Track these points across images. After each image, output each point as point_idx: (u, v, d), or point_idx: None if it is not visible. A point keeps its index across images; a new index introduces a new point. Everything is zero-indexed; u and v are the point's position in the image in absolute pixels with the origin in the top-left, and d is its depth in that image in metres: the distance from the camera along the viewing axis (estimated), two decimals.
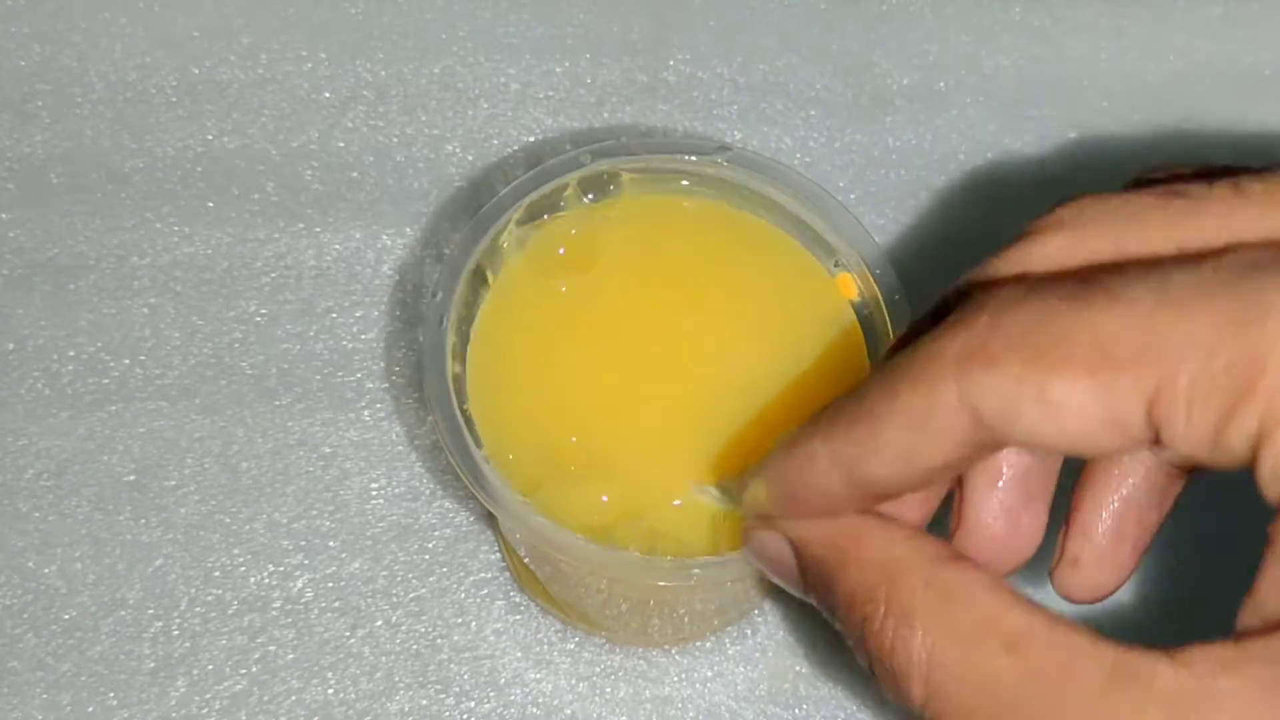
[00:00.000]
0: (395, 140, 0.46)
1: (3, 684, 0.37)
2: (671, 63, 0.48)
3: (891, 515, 0.26)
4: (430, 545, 0.40)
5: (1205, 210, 0.23)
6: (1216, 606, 0.23)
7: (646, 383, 0.33)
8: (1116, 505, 0.28)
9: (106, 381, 0.41)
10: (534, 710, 0.38)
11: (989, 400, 0.21)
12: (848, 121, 0.47)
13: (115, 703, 0.37)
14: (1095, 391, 0.21)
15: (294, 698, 0.37)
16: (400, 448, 0.41)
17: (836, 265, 0.35)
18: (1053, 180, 0.46)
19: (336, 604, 0.39)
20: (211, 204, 0.44)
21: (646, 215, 0.35)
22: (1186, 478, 0.28)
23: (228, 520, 0.40)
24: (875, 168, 0.46)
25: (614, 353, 0.34)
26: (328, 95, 0.47)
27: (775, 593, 0.39)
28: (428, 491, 0.40)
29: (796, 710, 0.38)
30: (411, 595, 0.39)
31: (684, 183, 0.36)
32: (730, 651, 0.39)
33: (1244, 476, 0.21)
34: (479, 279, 0.34)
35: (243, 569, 0.39)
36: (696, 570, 0.30)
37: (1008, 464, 0.27)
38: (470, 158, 0.46)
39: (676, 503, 0.32)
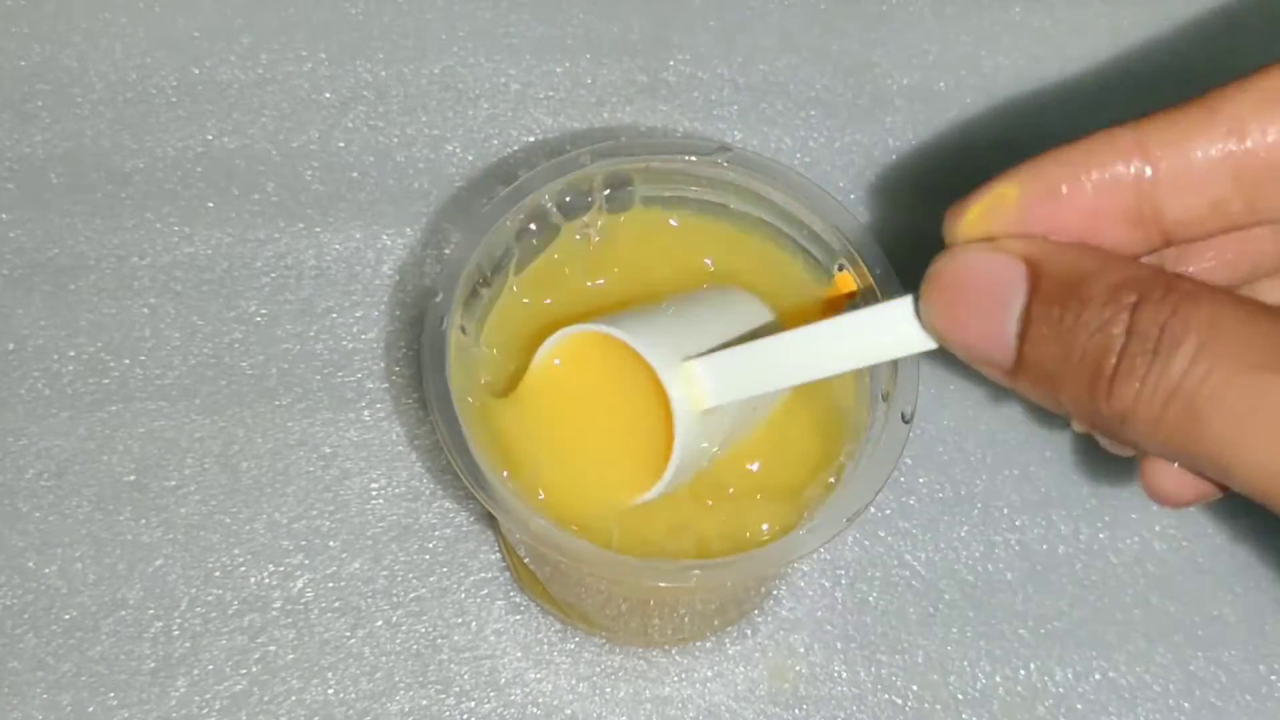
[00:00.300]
0: (395, 140, 0.46)
1: (3, 684, 0.37)
2: (671, 63, 0.48)
3: None
4: (430, 545, 0.40)
5: None
6: None
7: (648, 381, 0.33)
8: None
9: (106, 381, 0.41)
10: (534, 710, 0.38)
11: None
12: (848, 121, 0.47)
13: (115, 703, 0.37)
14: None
15: (294, 698, 0.37)
16: (400, 448, 0.41)
17: (840, 267, 0.35)
18: None
19: (336, 604, 0.39)
20: (211, 204, 0.44)
21: (646, 233, 0.36)
22: None
23: (228, 520, 0.40)
24: (875, 168, 0.46)
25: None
26: (328, 95, 0.47)
27: (784, 580, 0.39)
28: (428, 491, 0.40)
29: (796, 710, 0.38)
30: (411, 595, 0.39)
31: (691, 188, 0.36)
32: (730, 651, 0.39)
33: None
34: (480, 280, 0.34)
35: (243, 569, 0.39)
36: (696, 572, 0.30)
37: None
38: (470, 158, 0.46)
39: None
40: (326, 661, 0.38)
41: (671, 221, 0.36)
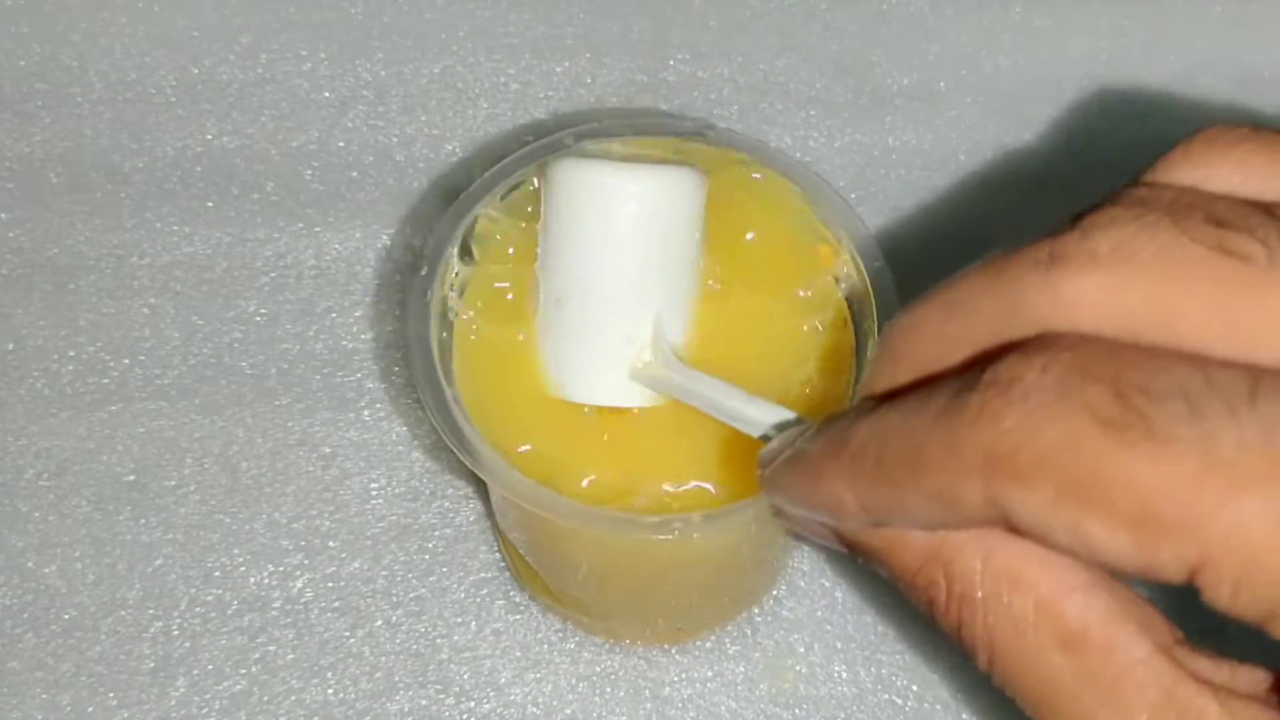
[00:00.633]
0: (395, 140, 0.46)
1: (3, 684, 0.37)
2: (671, 63, 0.48)
3: None
4: (430, 545, 0.40)
5: (1263, 288, 0.20)
6: None
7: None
8: None
9: (106, 381, 0.41)
10: (534, 710, 0.38)
11: (1018, 514, 0.20)
12: (848, 121, 0.47)
13: (115, 703, 0.37)
14: (1133, 544, 0.19)
15: (294, 698, 0.37)
16: (400, 448, 0.41)
17: (819, 239, 0.34)
18: (1052, 180, 0.46)
19: (336, 604, 0.39)
20: (211, 204, 0.44)
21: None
22: None
23: (228, 520, 0.40)
24: (875, 168, 0.46)
25: None
26: (328, 95, 0.47)
27: (786, 577, 0.39)
28: (428, 491, 0.40)
29: (796, 710, 0.38)
30: (411, 595, 0.39)
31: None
32: (730, 651, 0.39)
33: None
34: (465, 254, 0.34)
35: (243, 569, 0.39)
36: (678, 525, 0.30)
37: None
38: (470, 158, 0.46)
39: (667, 487, 0.32)
40: (326, 661, 0.38)
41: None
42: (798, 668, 0.39)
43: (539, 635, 0.39)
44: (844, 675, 0.39)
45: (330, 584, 0.39)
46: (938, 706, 0.38)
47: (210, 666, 0.38)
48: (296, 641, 0.38)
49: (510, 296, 0.33)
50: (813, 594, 0.40)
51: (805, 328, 0.33)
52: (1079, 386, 0.20)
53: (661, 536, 0.30)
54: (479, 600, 0.39)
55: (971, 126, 0.47)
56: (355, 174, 0.45)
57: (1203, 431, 0.19)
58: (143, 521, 0.39)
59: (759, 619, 0.39)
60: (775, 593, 0.39)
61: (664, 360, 0.31)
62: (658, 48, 0.48)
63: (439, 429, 0.31)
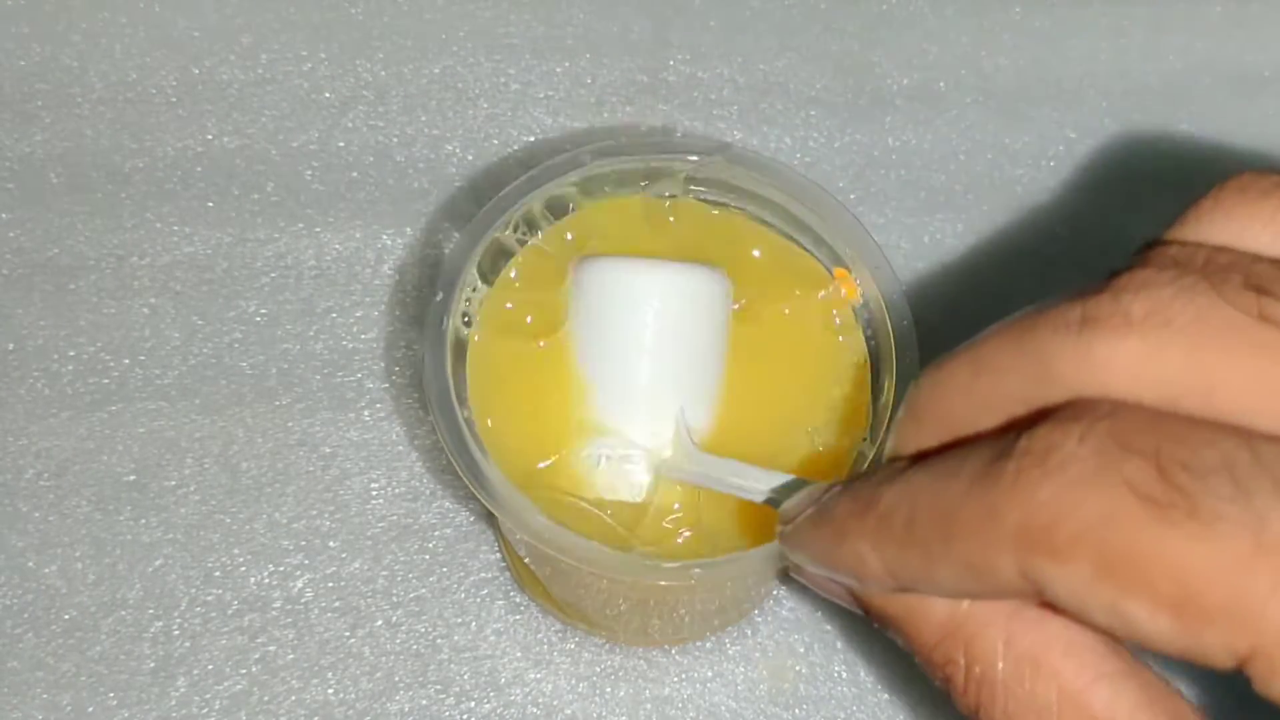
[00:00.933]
0: (395, 140, 0.46)
1: (3, 684, 0.37)
2: (671, 63, 0.48)
3: None
4: (430, 545, 0.40)
5: None
6: None
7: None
8: None
9: (106, 381, 0.41)
10: (534, 710, 0.38)
11: (1054, 589, 0.19)
12: (848, 121, 0.47)
13: (115, 703, 0.37)
14: (1177, 629, 0.18)
15: (294, 698, 0.37)
16: (400, 448, 0.41)
17: (835, 264, 0.35)
18: (1053, 180, 0.46)
19: (336, 604, 0.39)
20: (211, 204, 0.44)
21: (647, 218, 0.35)
22: None
23: (228, 520, 0.40)
24: (875, 168, 0.46)
25: None
26: (328, 95, 0.47)
27: (783, 581, 0.39)
28: (428, 491, 0.40)
29: (796, 710, 0.38)
30: (411, 595, 0.39)
31: (684, 183, 0.36)
32: (730, 651, 0.39)
33: None
34: (480, 278, 0.34)
35: (243, 569, 0.39)
36: (697, 570, 0.30)
37: None
38: (470, 158, 0.46)
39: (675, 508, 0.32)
40: (326, 661, 0.38)
41: (671, 219, 0.36)
42: (798, 668, 0.39)
43: (539, 635, 0.39)
44: (844, 675, 0.39)
45: (330, 584, 0.39)
46: (938, 707, 0.38)
47: (210, 666, 0.38)
48: (296, 641, 0.38)
49: (529, 319, 0.34)
50: (813, 594, 0.39)
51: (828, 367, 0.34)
52: (1119, 459, 0.19)
53: (678, 583, 0.31)
54: (479, 600, 0.39)
55: (971, 126, 0.47)
56: (355, 174, 0.45)
57: (1251, 511, 0.18)
58: (143, 521, 0.39)
59: (759, 619, 0.39)
60: (775, 593, 0.39)
61: (686, 455, 0.32)
62: (658, 48, 0.48)
63: (461, 473, 0.31)
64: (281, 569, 0.39)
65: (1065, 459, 0.19)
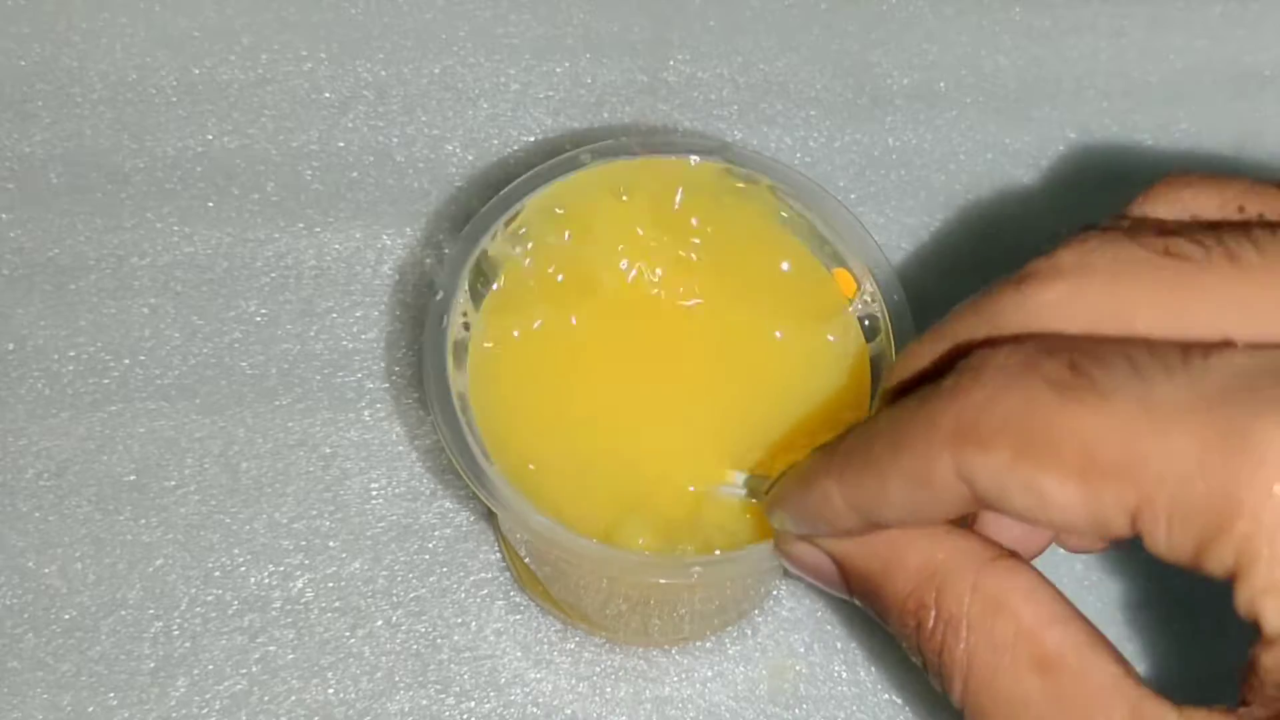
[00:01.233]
0: (395, 140, 0.46)
1: (3, 684, 0.37)
2: (671, 63, 0.48)
3: None
4: (430, 545, 0.40)
5: (1200, 281, 0.23)
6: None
7: (651, 381, 0.33)
8: None
9: (106, 381, 0.41)
10: (534, 710, 0.38)
11: (981, 479, 0.22)
12: (848, 121, 0.47)
13: (115, 703, 0.37)
14: (1081, 494, 0.21)
15: (294, 698, 0.37)
16: (400, 448, 0.41)
17: (834, 263, 0.35)
18: (1052, 180, 0.46)
19: (336, 604, 0.39)
20: (211, 204, 0.44)
21: (649, 214, 0.35)
22: None
23: (228, 520, 0.40)
24: (875, 168, 0.46)
25: (618, 350, 0.34)
26: (328, 95, 0.47)
27: (785, 580, 0.39)
28: (428, 491, 0.40)
29: (796, 710, 0.38)
30: (411, 595, 0.39)
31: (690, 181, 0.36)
32: (730, 651, 0.39)
33: None
34: (480, 278, 0.34)
35: (243, 569, 0.39)
36: (697, 569, 0.30)
37: None
38: (470, 158, 0.46)
39: (691, 488, 0.32)
40: (326, 661, 0.38)
41: (673, 214, 0.36)
42: (798, 668, 0.39)
43: (539, 635, 0.39)
44: (844, 675, 0.39)
45: (330, 584, 0.39)
46: (938, 707, 0.38)
47: (210, 666, 0.38)
48: (297, 641, 0.38)
49: (529, 318, 0.34)
50: (813, 594, 0.40)
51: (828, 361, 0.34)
52: (1039, 361, 0.22)
53: (678, 580, 0.31)
54: (479, 600, 0.39)
55: (971, 126, 0.47)
56: (355, 174, 0.45)
57: (1142, 385, 0.21)
58: (143, 521, 0.39)
59: (759, 619, 0.39)
60: (775, 593, 0.39)
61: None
62: (658, 48, 0.48)
63: (461, 473, 0.31)
64: (281, 569, 0.39)
65: (995, 368, 0.22)
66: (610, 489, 0.32)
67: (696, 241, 0.35)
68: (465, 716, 0.38)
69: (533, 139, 0.46)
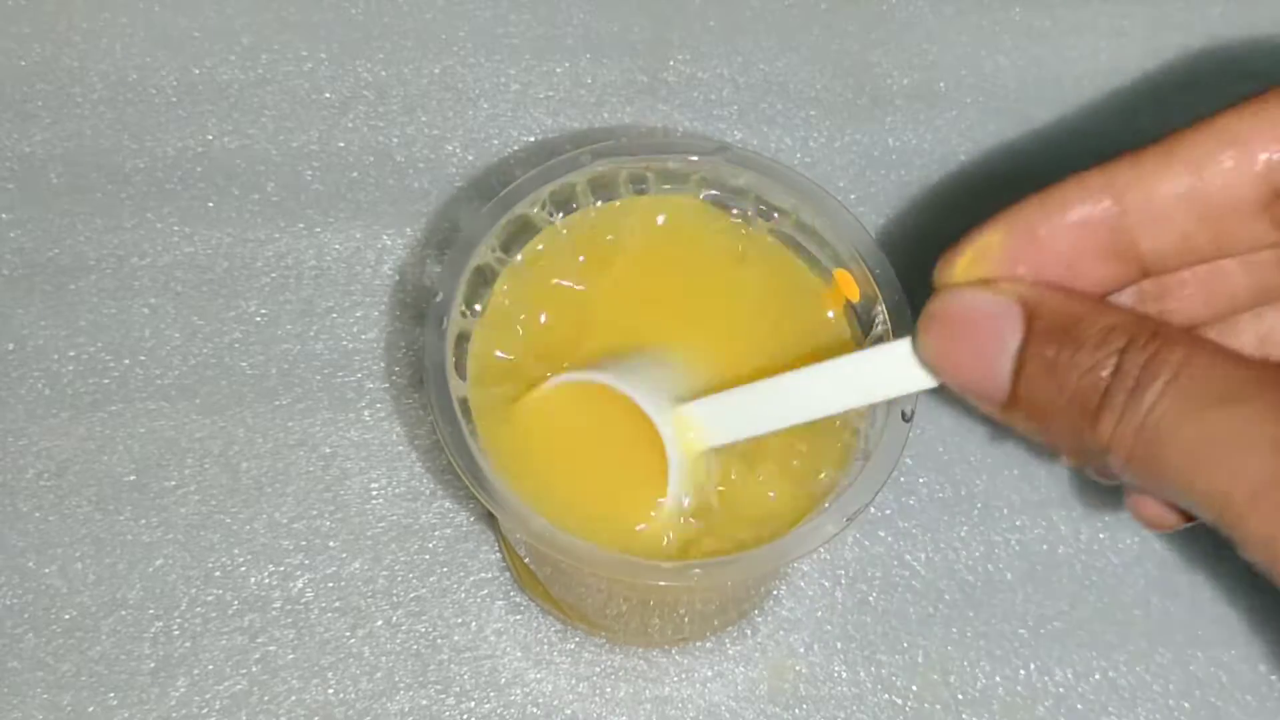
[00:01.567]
0: (395, 140, 0.46)
1: (3, 684, 0.37)
2: (671, 63, 0.48)
3: None
4: (430, 545, 0.40)
5: None
6: None
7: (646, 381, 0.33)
8: None
9: (106, 381, 0.41)
10: (534, 710, 0.38)
11: None
12: (848, 121, 0.47)
13: (115, 703, 0.37)
14: None
15: (294, 698, 0.37)
16: (400, 448, 0.41)
17: (834, 263, 0.35)
18: (1052, 180, 0.46)
19: (337, 604, 0.39)
20: (211, 204, 0.44)
21: (645, 223, 0.35)
22: None
23: (228, 520, 0.40)
24: (875, 168, 0.46)
25: (616, 349, 0.34)
26: (328, 95, 0.47)
27: (785, 580, 0.39)
28: (428, 491, 0.40)
29: (796, 710, 0.38)
30: (411, 595, 0.39)
31: (685, 184, 0.36)
32: (730, 651, 0.39)
33: None
34: (480, 279, 0.34)
35: (243, 569, 0.39)
36: (697, 570, 0.30)
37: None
38: (470, 158, 0.46)
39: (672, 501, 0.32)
40: (326, 661, 0.38)
41: (664, 218, 0.36)
42: (798, 668, 0.39)
43: (539, 635, 0.39)
44: (844, 675, 0.39)
45: (330, 584, 0.39)
46: (937, 707, 0.38)
47: (211, 666, 0.38)
48: (297, 641, 0.38)
49: (531, 316, 0.34)
50: (813, 594, 0.40)
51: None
52: None
53: (677, 582, 0.31)
54: (479, 600, 0.39)
55: (971, 126, 0.47)
56: (355, 174, 0.45)
57: None
58: (143, 521, 0.39)
59: (759, 619, 0.39)
60: (775, 593, 0.39)
61: (722, 436, 0.32)
62: (658, 48, 0.48)
63: (461, 474, 0.31)
64: (281, 569, 0.39)
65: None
66: (608, 519, 0.32)
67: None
68: (465, 716, 0.38)
69: (533, 139, 0.46)
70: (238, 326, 0.42)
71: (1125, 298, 0.29)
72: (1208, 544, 0.40)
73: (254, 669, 0.38)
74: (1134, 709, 0.38)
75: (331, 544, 0.39)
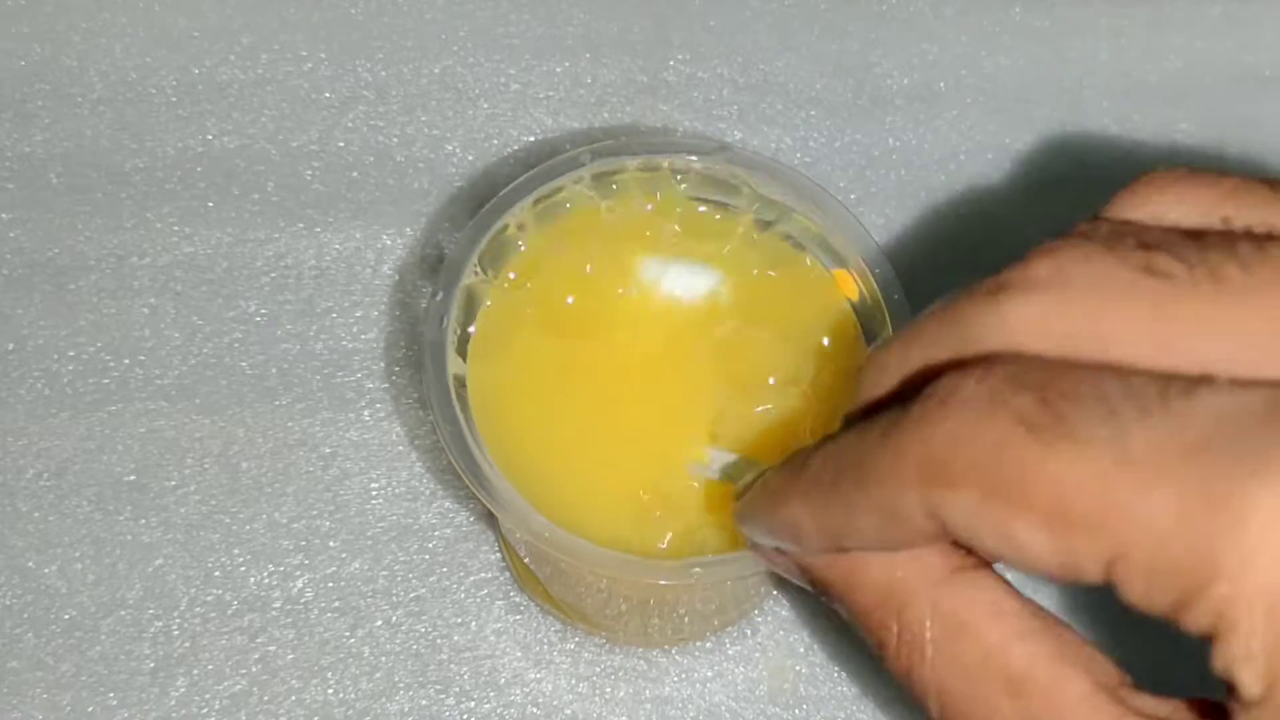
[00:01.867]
0: (395, 140, 0.46)
1: (3, 684, 0.37)
2: (671, 63, 0.48)
3: None
4: (430, 545, 0.40)
5: (1181, 305, 0.21)
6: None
7: (649, 381, 0.33)
8: None
9: (106, 381, 0.41)
10: (534, 710, 0.38)
11: (951, 517, 0.21)
12: (848, 121, 0.47)
13: (115, 703, 0.37)
14: (1053, 543, 0.20)
15: (294, 698, 0.37)
16: (400, 448, 0.41)
17: (834, 264, 0.35)
18: (1053, 180, 0.46)
19: (336, 604, 0.39)
20: (211, 204, 0.44)
21: (646, 219, 0.35)
22: None
23: (228, 520, 0.40)
24: (875, 168, 0.46)
25: (617, 350, 0.34)
26: (328, 95, 0.47)
27: (782, 585, 0.39)
28: (428, 491, 0.40)
29: (796, 710, 0.38)
30: (411, 595, 0.39)
31: (682, 183, 0.36)
32: (730, 651, 0.39)
33: None
34: (480, 279, 0.34)
35: (243, 569, 0.39)
36: (697, 570, 0.30)
37: None
38: (470, 158, 0.46)
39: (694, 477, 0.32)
40: (326, 661, 0.38)
41: (670, 219, 0.36)
42: (798, 668, 0.39)
43: (539, 635, 0.39)
44: (844, 675, 0.39)
45: (330, 584, 0.39)
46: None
47: (210, 666, 0.38)
48: (296, 641, 0.38)
49: (530, 316, 0.34)
50: (813, 594, 0.39)
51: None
52: (1009, 395, 0.21)
53: (677, 581, 0.31)
54: (479, 600, 0.39)
55: (971, 126, 0.47)
56: (355, 174, 0.45)
57: (1117, 431, 0.20)
58: (143, 521, 0.39)
59: (759, 619, 0.39)
60: (775, 593, 0.39)
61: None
62: (658, 48, 0.48)
63: (461, 474, 0.31)
64: (281, 569, 0.39)
65: (963, 399, 0.21)
66: (612, 490, 0.32)
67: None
68: (465, 716, 0.38)
69: (533, 139, 0.46)
70: (238, 326, 0.42)
71: None
72: None
73: (254, 669, 0.38)
74: None
75: (331, 544, 0.39)
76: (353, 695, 0.38)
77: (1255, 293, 0.21)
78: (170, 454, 0.40)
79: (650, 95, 0.47)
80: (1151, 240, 0.22)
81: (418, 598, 0.39)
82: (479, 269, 0.34)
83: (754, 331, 0.34)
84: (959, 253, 0.45)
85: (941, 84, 0.48)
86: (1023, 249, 0.25)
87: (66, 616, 0.38)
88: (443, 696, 0.38)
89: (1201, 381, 0.20)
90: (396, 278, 0.44)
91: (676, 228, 0.35)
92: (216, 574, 0.39)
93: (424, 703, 0.38)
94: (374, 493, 0.40)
